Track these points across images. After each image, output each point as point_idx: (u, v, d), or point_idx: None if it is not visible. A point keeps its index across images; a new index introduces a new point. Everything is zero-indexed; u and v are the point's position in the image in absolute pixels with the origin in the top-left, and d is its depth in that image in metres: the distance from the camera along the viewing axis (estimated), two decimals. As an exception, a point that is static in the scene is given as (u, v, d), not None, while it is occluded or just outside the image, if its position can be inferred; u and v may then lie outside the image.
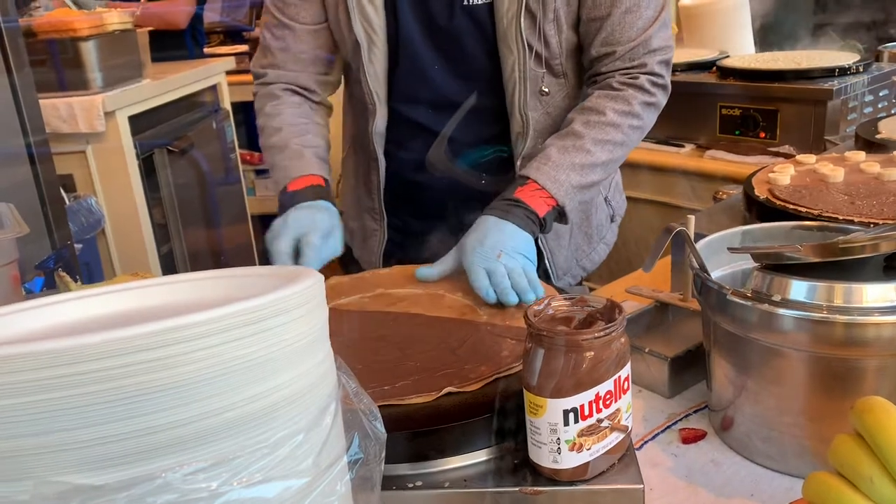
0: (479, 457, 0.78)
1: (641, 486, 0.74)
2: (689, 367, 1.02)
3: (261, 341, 0.48)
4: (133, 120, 2.58)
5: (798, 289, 0.80)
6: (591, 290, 1.49)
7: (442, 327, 0.98)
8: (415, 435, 0.76)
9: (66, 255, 1.60)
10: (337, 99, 1.47)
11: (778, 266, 0.84)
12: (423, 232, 1.41)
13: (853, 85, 2.15)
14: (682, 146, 2.40)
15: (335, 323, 1.01)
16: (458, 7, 1.23)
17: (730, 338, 0.86)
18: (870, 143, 1.52)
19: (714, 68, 2.44)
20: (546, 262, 1.40)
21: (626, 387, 0.74)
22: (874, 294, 0.78)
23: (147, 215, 2.63)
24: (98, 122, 2.45)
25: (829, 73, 2.19)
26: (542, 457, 0.73)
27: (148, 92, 2.71)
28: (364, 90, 1.30)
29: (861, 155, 1.36)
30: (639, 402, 1.02)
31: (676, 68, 2.44)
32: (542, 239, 1.37)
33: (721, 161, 2.27)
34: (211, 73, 3.16)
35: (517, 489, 0.74)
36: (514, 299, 1.03)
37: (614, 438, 0.74)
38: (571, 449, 0.71)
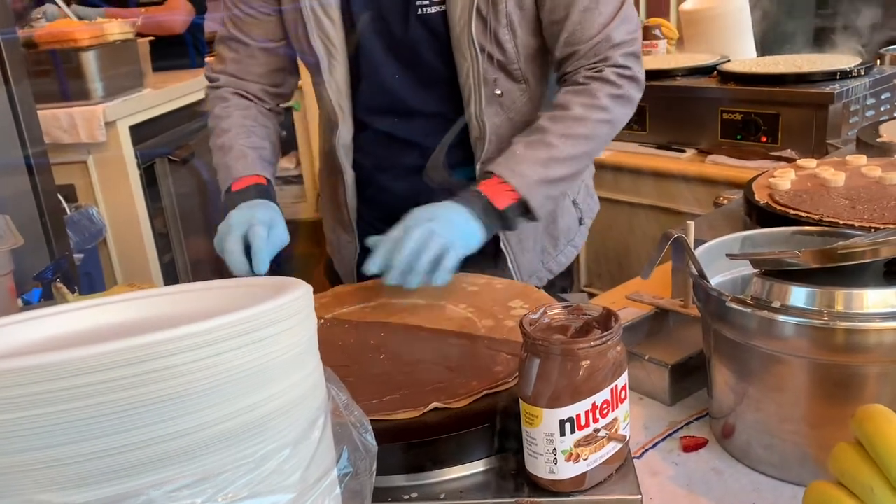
0: (476, 468, 0.77)
1: (639, 496, 0.73)
2: (691, 374, 1.01)
3: (248, 353, 0.47)
4: (134, 129, 2.58)
5: (798, 295, 0.79)
6: (592, 296, 1.48)
7: (438, 340, 0.97)
8: (409, 447, 0.76)
9: (64, 265, 1.60)
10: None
11: (778, 272, 0.83)
12: None
13: (855, 88, 2.14)
14: (684, 151, 2.39)
15: (332, 333, 1.02)
16: (412, 17, 1.24)
17: (730, 345, 0.85)
18: (871, 147, 1.51)
19: (715, 73, 2.44)
20: (510, 263, 1.39)
21: (623, 396, 0.73)
22: (875, 300, 0.77)
23: (148, 225, 2.64)
24: (99, 131, 2.46)
25: (831, 76, 2.18)
26: (539, 467, 0.72)
27: (149, 101, 2.72)
28: (327, 103, 1.32)
29: (862, 159, 1.35)
30: (639, 409, 1.01)
31: (677, 73, 2.44)
32: (504, 241, 1.37)
33: (722, 166, 2.26)
34: (212, 82, 3.15)
35: (514, 500, 0.73)
36: (396, 271, 1.05)
37: (612, 448, 0.73)
38: (568, 459, 0.70)
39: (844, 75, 2.18)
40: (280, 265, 1.21)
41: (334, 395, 0.56)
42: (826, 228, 0.99)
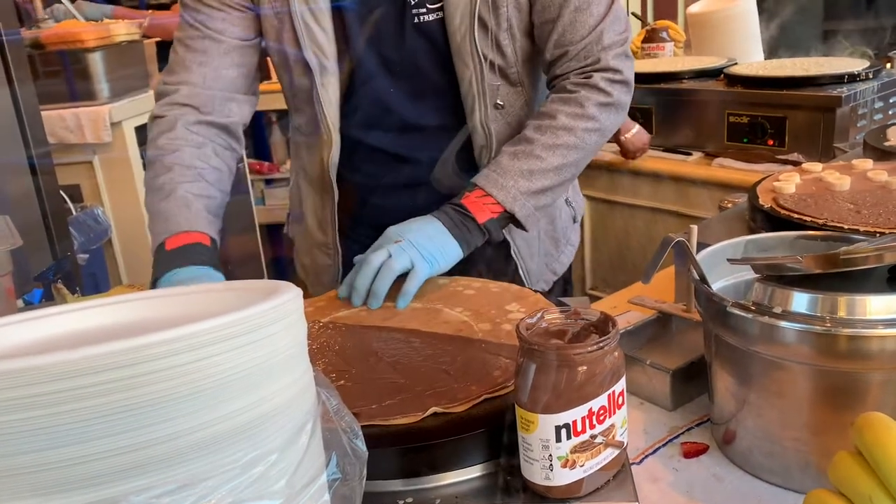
0: (471, 473, 0.77)
1: (636, 503, 0.72)
2: (692, 380, 1.00)
3: (234, 358, 0.46)
4: (140, 130, 2.59)
5: (800, 301, 0.78)
6: (595, 300, 1.47)
7: (435, 344, 0.96)
8: (405, 451, 0.75)
9: (65, 266, 1.60)
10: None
11: (780, 277, 0.82)
12: None
13: (862, 92, 2.13)
14: (690, 154, 2.38)
15: (329, 337, 1.01)
16: (409, 26, 1.20)
17: (731, 350, 0.84)
18: (878, 151, 1.50)
19: (722, 76, 2.42)
20: (520, 271, 1.38)
21: (620, 402, 0.72)
22: (878, 306, 0.76)
23: (154, 226, 2.63)
24: (105, 132, 2.47)
25: (838, 79, 2.16)
26: (535, 474, 0.71)
27: (155, 102, 2.72)
28: (318, 119, 1.25)
29: (868, 163, 1.34)
30: (640, 414, 1.00)
31: (684, 76, 2.43)
32: (514, 250, 1.36)
33: (729, 169, 2.25)
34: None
35: (509, 507, 0.72)
36: (357, 295, 1.08)
37: (608, 455, 0.72)
38: (564, 466, 0.70)
39: (852, 78, 2.16)
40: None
41: (325, 399, 0.56)
42: (830, 233, 0.98)
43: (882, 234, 1.00)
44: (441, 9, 1.19)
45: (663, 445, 0.93)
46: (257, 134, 4.09)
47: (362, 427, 0.60)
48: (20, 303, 1.30)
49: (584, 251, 2.63)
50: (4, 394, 0.39)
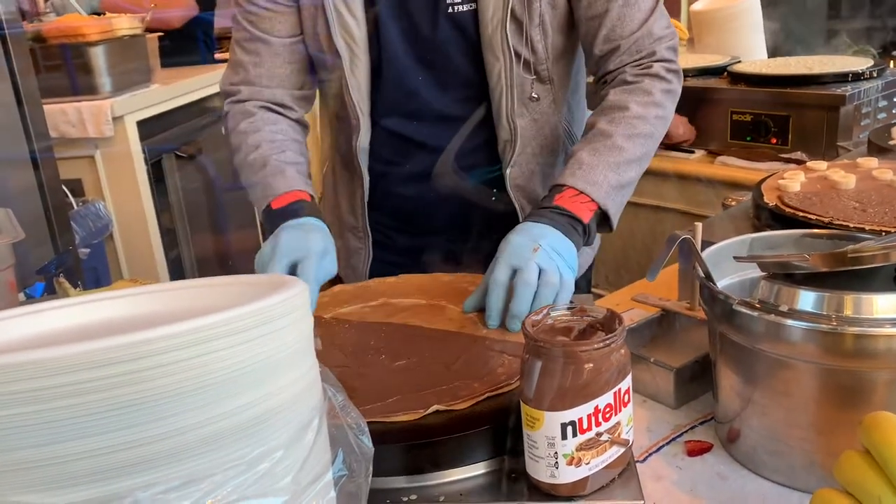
0: (476, 470, 0.76)
1: (641, 501, 0.72)
2: (696, 378, 1.00)
3: (241, 353, 0.46)
4: (142, 125, 2.58)
5: (806, 299, 0.78)
6: (598, 297, 1.46)
7: (439, 341, 0.96)
8: (409, 448, 0.75)
9: (67, 260, 1.59)
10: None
11: (786, 275, 0.81)
12: (410, 247, 1.39)
13: (867, 90, 2.12)
14: (693, 152, 2.38)
15: (331, 332, 1.01)
16: (442, 15, 1.21)
17: (736, 348, 0.84)
18: (883, 150, 1.49)
19: (725, 73, 2.42)
20: None
21: (626, 399, 0.72)
22: (885, 305, 0.75)
23: (155, 220, 2.63)
24: (106, 126, 2.46)
25: (842, 78, 2.16)
26: (540, 471, 0.71)
27: (157, 97, 2.72)
28: (347, 104, 1.27)
29: (873, 161, 1.33)
30: (644, 412, 0.99)
31: (687, 73, 2.42)
32: None
33: (732, 167, 2.24)
34: (220, 78, 3.15)
35: (514, 504, 0.72)
36: (514, 321, 0.96)
37: (614, 453, 0.72)
38: (570, 463, 0.69)
39: (856, 77, 2.16)
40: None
41: (331, 395, 0.55)
42: (836, 232, 0.97)
43: (888, 232, 1.00)
44: (475, 1, 1.19)
45: (667, 444, 0.93)
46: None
47: (364, 424, 0.60)
48: (22, 296, 1.30)
49: (587, 249, 2.62)
50: (9, 387, 0.39)
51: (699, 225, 1.04)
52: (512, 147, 1.26)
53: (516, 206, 1.31)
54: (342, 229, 1.43)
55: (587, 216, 1.10)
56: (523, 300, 0.96)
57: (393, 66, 1.25)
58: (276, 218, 1.15)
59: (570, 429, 0.68)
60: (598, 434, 0.70)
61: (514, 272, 0.99)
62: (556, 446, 0.69)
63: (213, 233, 3.09)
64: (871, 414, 0.59)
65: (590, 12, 1.20)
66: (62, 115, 2.44)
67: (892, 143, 1.52)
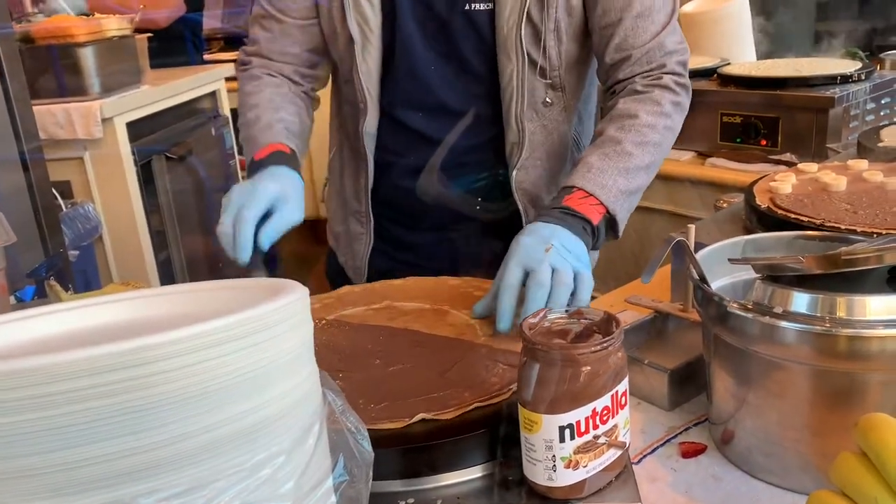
0: (473, 473, 0.76)
1: (639, 504, 0.72)
2: (690, 379, 1.00)
3: (244, 358, 0.46)
4: (131, 126, 2.57)
5: (800, 301, 0.78)
6: (592, 298, 1.47)
7: (436, 347, 0.95)
8: (405, 452, 0.74)
9: (58, 263, 1.58)
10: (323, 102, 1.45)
11: (780, 277, 0.82)
12: (409, 239, 1.39)
13: (855, 93, 2.14)
14: (683, 154, 2.38)
15: (330, 335, 1.00)
16: (459, 10, 1.22)
17: (730, 350, 0.84)
18: (872, 152, 1.50)
19: (715, 76, 2.43)
20: None
21: (623, 402, 0.72)
22: (878, 306, 0.76)
23: (145, 222, 2.62)
24: (96, 128, 2.44)
25: (831, 80, 2.17)
26: (537, 474, 0.71)
27: (146, 98, 2.70)
28: (356, 88, 1.28)
29: (863, 163, 1.34)
30: (638, 414, 1.00)
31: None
32: None
33: (722, 169, 2.25)
34: (210, 79, 3.15)
35: (511, 507, 0.72)
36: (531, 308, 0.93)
37: (611, 455, 0.72)
38: (567, 466, 0.69)
39: (845, 79, 2.17)
40: (275, 263, 1.16)
41: (330, 400, 0.55)
42: (828, 233, 0.98)
43: (879, 234, 1.01)
44: (493, 1, 1.20)
45: (661, 445, 0.93)
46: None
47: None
48: (12, 300, 1.29)
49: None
50: (12, 394, 0.39)
51: (692, 227, 1.04)
52: (519, 150, 1.27)
53: (520, 209, 1.32)
54: (346, 214, 1.44)
55: (596, 218, 1.10)
56: (537, 302, 0.95)
57: (405, 54, 1.26)
58: (253, 168, 1.20)
59: (567, 432, 0.68)
60: (596, 437, 0.70)
61: (527, 274, 0.97)
62: (553, 449, 0.69)
63: (203, 234, 3.07)
64: (866, 415, 0.60)
65: (604, 21, 1.20)
66: (51, 116, 2.42)
67: (881, 145, 1.53)
